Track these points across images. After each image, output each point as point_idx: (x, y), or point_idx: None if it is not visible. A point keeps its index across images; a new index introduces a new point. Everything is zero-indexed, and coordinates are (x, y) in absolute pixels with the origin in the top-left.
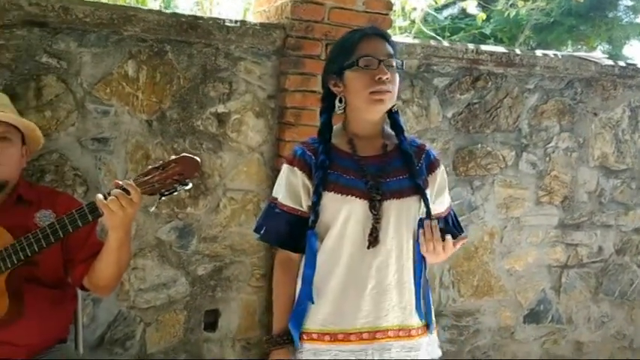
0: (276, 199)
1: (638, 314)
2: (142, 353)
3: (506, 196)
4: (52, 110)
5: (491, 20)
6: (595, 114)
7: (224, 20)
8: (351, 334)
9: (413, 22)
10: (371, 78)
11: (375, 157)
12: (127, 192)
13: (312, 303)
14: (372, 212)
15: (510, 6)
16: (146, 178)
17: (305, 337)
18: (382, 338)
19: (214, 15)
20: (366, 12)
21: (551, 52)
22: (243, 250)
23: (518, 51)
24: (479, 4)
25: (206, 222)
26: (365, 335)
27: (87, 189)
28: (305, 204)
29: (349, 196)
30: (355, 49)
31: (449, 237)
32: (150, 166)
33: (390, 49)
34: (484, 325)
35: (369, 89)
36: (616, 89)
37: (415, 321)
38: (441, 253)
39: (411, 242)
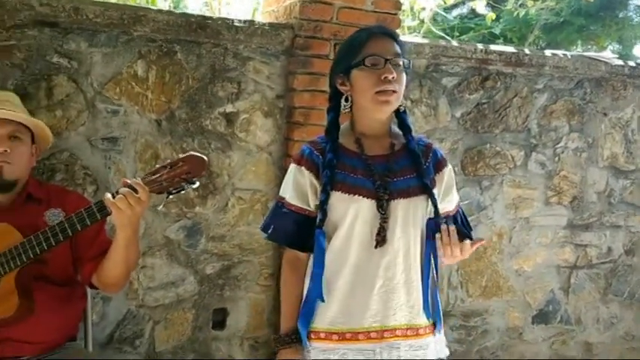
0: (283, 198)
1: None
2: (150, 351)
3: (515, 197)
4: (62, 110)
5: (501, 20)
6: (605, 114)
7: (233, 20)
8: (359, 333)
9: (422, 21)
10: (377, 77)
11: (383, 156)
12: (135, 191)
13: (323, 301)
14: (379, 212)
15: (520, 6)
16: (154, 176)
17: (313, 336)
18: (390, 337)
19: (223, 15)
20: (375, 12)
21: (560, 52)
22: (251, 249)
23: (527, 51)
24: (488, 3)
25: (214, 221)
26: (373, 334)
27: (97, 188)
28: (312, 203)
29: (357, 196)
30: (362, 48)
31: (468, 241)
32: (158, 165)
33: (398, 49)
34: (492, 326)
35: (375, 89)
36: (626, 89)
37: (423, 320)
38: (458, 256)
39: (418, 241)
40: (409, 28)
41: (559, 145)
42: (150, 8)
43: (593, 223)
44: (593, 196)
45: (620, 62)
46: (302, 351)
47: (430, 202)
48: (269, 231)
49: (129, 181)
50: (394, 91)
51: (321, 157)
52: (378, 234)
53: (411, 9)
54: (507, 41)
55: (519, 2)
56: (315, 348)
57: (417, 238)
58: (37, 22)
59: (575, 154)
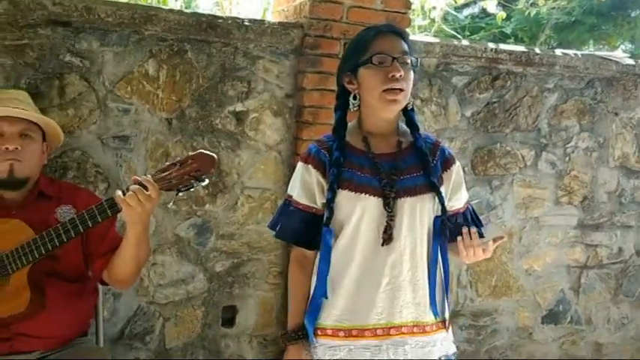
0: (291, 196)
1: None
2: (160, 348)
3: (525, 196)
4: (74, 108)
5: (512, 19)
6: (616, 114)
7: (243, 20)
8: (365, 330)
9: (432, 20)
10: (384, 76)
11: (390, 154)
12: (146, 188)
13: (326, 299)
14: (386, 210)
15: (531, 5)
16: (164, 174)
17: (320, 332)
18: (396, 334)
19: (233, 15)
20: (385, 11)
21: (571, 52)
22: (260, 247)
23: (537, 50)
24: (499, 3)
25: (224, 219)
26: (379, 331)
27: (108, 186)
28: (319, 202)
29: (363, 194)
30: (369, 46)
31: (490, 242)
32: (167, 163)
33: (405, 47)
34: (502, 325)
35: (382, 87)
36: (637, 89)
37: (430, 317)
38: (481, 257)
39: (425, 239)
40: (420, 27)
41: (569, 145)
42: (161, 8)
43: (604, 223)
44: (603, 196)
45: (632, 62)
46: (309, 347)
47: (437, 201)
48: (277, 229)
49: (139, 179)
50: (401, 90)
51: (327, 155)
52: (385, 232)
53: (422, 8)
54: (518, 41)
55: (530, 1)
56: (322, 344)
57: (423, 236)
58: (50, 21)
59: (585, 154)
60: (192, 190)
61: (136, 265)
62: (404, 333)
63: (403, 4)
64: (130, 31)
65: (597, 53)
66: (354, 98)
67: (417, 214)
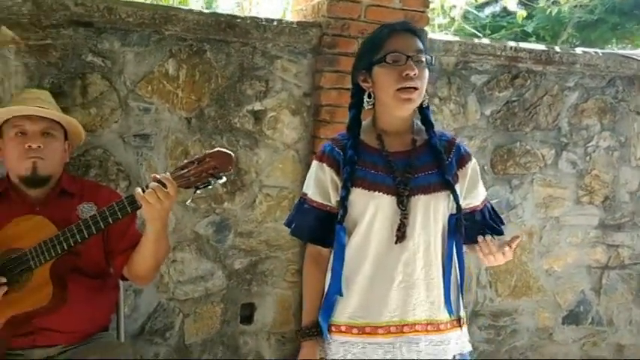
0: (305, 194)
1: None
2: (180, 343)
3: (545, 196)
4: (96, 107)
5: (534, 18)
6: (637, 113)
7: (261, 19)
8: (378, 327)
9: (452, 19)
10: (398, 74)
11: (404, 152)
12: (164, 185)
13: (341, 296)
14: (399, 208)
15: (552, 3)
16: (182, 172)
17: (334, 329)
18: (410, 332)
19: (254, 14)
20: (403, 9)
21: (591, 50)
22: (278, 245)
23: (557, 48)
24: (520, 1)
25: (242, 217)
26: (392, 329)
27: (129, 183)
28: (333, 200)
29: (377, 192)
30: (384, 44)
31: (507, 248)
32: (186, 161)
33: (420, 45)
34: (522, 326)
35: (396, 86)
36: None
37: (444, 316)
38: (502, 261)
39: (439, 237)
40: (440, 25)
41: (590, 144)
42: (180, 8)
43: (626, 224)
44: (625, 196)
45: None
46: (323, 344)
47: (452, 199)
48: (292, 227)
49: (158, 176)
50: (416, 88)
51: (342, 153)
52: (398, 230)
53: (442, 7)
54: (540, 39)
55: (552, 0)
56: (335, 340)
57: (437, 234)
58: (72, 22)
59: (606, 153)
60: (209, 187)
61: (155, 261)
62: (417, 331)
63: (421, 2)
64: (151, 31)
65: (618, 52)
66: (369, 96)
67: (431, 212)
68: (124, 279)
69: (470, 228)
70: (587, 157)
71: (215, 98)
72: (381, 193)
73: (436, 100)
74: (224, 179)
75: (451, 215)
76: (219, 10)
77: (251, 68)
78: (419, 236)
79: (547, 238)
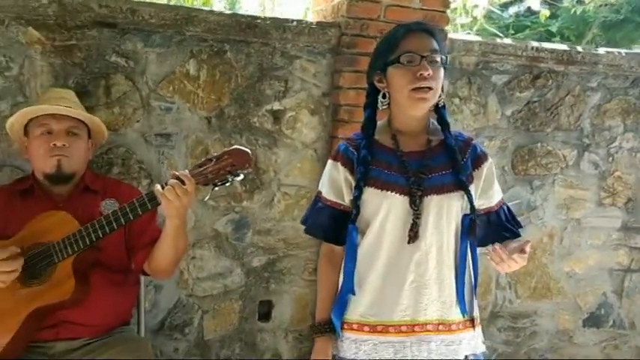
0: (320, 193)
1: None
2: (199, 339)
3: (566, 197)
4: (120, 107)
5: (559, 18)
6: None
7: (281, 20)
8: (389, 326)
9: (475, 19)
10: (413, 74)
11: (418, 152)
12: (183, 182)
13: (354, 295)
14: (412, 208)
15: (577, 3)
16: (200, 169)
17: (346, 326)
18: (421, 331)
19: (276, 15)
20: (423, 9)
21: (614, 50)
22: (296, 244)
23: (579, 48)
24: (545, 1)
25: (261, 216)
26: (403, 328)
27: (150, 181)
28: (347, 198)
29: (390, 192)
30: (398, 45)
31: (516, 255)
32: (204, 158)
33: (435, 45)
34: (541, 328)
35: (410, 86)
36: None
37: (456, 316)
38: (516, 267)
39: (452, 237)
40: (463, 25)
41: (613, 145)
42: (201, 9)
43: None
44: None
45: None
46: (336, 340)
47: (466, 199)
48: (306, 224)
49: (177, 174)
50: (430, 88)
51: (356, 153)
52: (411, 230)
53: (464, 6)
54: (564, 39)
55: None
56: (347, 338)
57: (450, 235)
58: (97, 23)
59: (630, 155)
60: (227, 184)
61: (174, 256)
62: (429, 330)
63: (441, 2)
64: (173, 32)
65: None
66: (384, 97)
67: (444, 213)
68: (145, 274)
69: (485, 230)
70: (610, 159)
71: (235, 98)
72: (393, 193)
73: (456, 100)
74: (242, 176)
75: (465, 215)
76: (241, 11)
77: (270, 68)
78: (431, 236)
79: (568, 239)
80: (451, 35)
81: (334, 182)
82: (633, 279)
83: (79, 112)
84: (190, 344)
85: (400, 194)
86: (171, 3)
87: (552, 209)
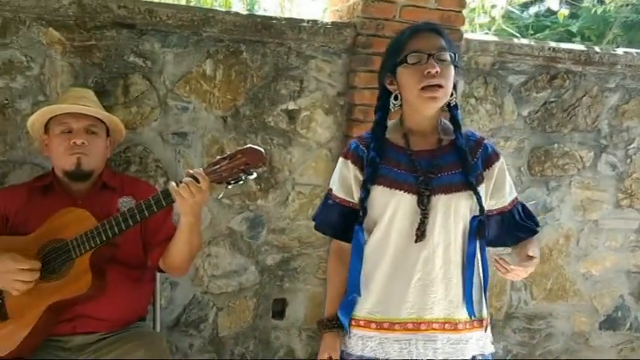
0: (331, 190)
1: None
2: (214, 336)
3: (583, 198)
4: (137, 106)
5: (579, 18)
6: None
7: (296, 20)
8: (395, 323)
9: (493, 19)
10: (421, 73)
11: (428, 151)
12: (197, 180)
13: (359, 295)
14: (419, 207)
15: (598, 2)
16: (214, 167)
17: (353, 323)
18: (427, 329)
19: (295, 15)
20: (438, 9)
21: (633, 50)
22: (310, 242)
23: (597, 49)
24: (566, 1)
25: (275, 214)
26: (409, 325)
27: (167, 179)
28: (356, 196)
29: (397, 190)
30: (405, 45)
31: (522, 264)
32: (218, 157)
33: (443, 43)
34: (557, 330)
35: (419, 85)
36: None
37: (463, 315)
38: (524, 275)
39: (460, 237)
40: (481, 25)
41: (631, 147)
42: (218, 10)
43: None
44: None
45: None
46: (343, 336)
47: (475, 199)
48: (316, 221)
49: (192, 172)
50: (440, 86)
51: (366, 151)
52: (418, 229)
53: (482, 6)
54: (585, 39)
55: None
56: (355, 335)
57: (458, 234)
58: (115, 23)
59: None
60: (241, 182)
61: (189, 253)
62: (435, 329)
63: (457, 2)
64: (190, 33)
65: None
66: (395, 99)
67: (452, 212)
68: (160, 270)
69: (499, 230)
70: (628, 160)
71: (250, 98)
72: (401, 192)
73: (472, 101)
74: (255, 175)
75: (473, 217)
76: (259, 12)
77: (286, 68)
78: (438, 235)
79: (584, 241)
80: (467, 35)
81: (344, 180)
82: None
83: (98, 111)
84: (205, 340)
85: (408, 193)
86: (191, 3)
87: (569, 211)
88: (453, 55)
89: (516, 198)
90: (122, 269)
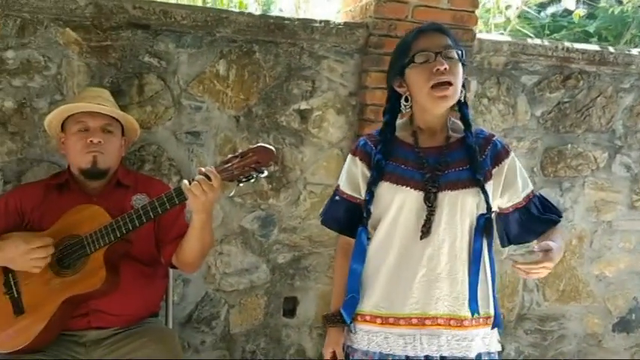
0: (338, 186)
1: None
2: (225, 333)
3: (597, 199)
4: (152, 106)
5: (596, 18)
6: None
7: (309, 20)
8: (400, 318)
9: (508, 19)
10: (429, 71)
11: (436, 148)
12: (209, 178)
13: (357, 296)
14: (426, 204)
15: (616, 2)
16: (226, 165)
17: (359, 318)
18: (431, 325)
19: (310, 16)
20: (451, 9)
21: None
22: (321, 242)
23: (611, 49)
24: (583, 1)
25: (287, 213)
26: (414, 321)
27: (180, 178)
28: (363, 192)
29: (404, 187)
30: (411, 46)
31: (535, 266)
32: (230, 155)
33: (449, 41)
34: (570, 331)
35: (429, 83)
36: None
37: (469, 312)
38: (545, 273)
39: (466, 234)
40: (496, 25)
41: None
42: (231, 11)
43: None
44: None
45: None
46: (349, 332)
47: (482, 196)
48: (323, 217)
49: (204, 170)
50: (450, 83)
51: (374, 148)
52: (424, 225)
53: (497, 7)
54: (602, 40)
55: None
56: (360, 330)
57: (464, 231)
58: (131, 24)
59: None
60: (252, 181)
61: (200, 250)
62: (439, 325)
63: (470, 2)
64: (203, 33)
65: None
66: (406, 100)
67: (458, 209)
68: (173, 267)
69: (519, 227)
70: None
71: (263, 97)
72: (408, 188)
73: (485, 101)
74: (266, 173)
75: (480, 215)
76: (274, 12)
77: (298, 68)
78: (444, 232)
79: (598, 242)
80: (480, 35)
81: (352, 176)
82: None
83: (114, 111)
84: (217, 337)
85: (415, 189)
86: (207, 3)
87: (582, 212)
88: (460, 52)
89: (532, 192)
90: (136, 265)
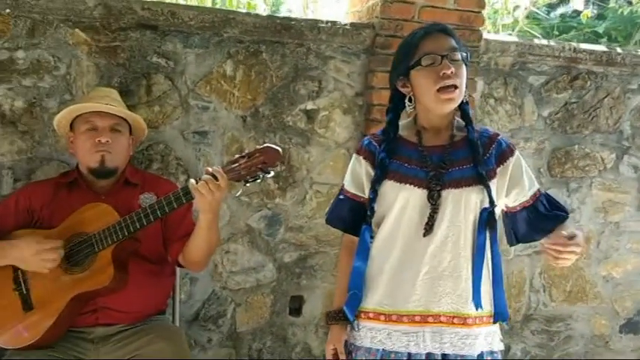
0: (343, 185)
1: None
2: (232, 331)
3: (604, 200)
4: (160, 105)
5: (606, 19)
6: None
7: (315, 21)
8: (403, 315)
9: (516, 20)
10: (436, 75)
11: (440, 146)
12: (216, 178)
13: (359, 294)
14: (429, 202)
15: (625, 3)
16: (233, 165)
17: (363, 315)
18: (434, 322)
19: (319, 17)
20: (457, 10)
21: None
22: (327, 241)
23: (619, 50)
24: (593, 2)
25: (293, 213)
26: (417, 318)
27: (188, 177)
28: (367, 191)
29: (407, 185)
30: (417, 48)
31: (569, 247)
32: (237, 155)
33: (454, 43)
34: (576, 332)
35: (435, 86)
36: None
37: (473, 310)
38: (574, 257)
39: (470, 231)
40: (504, 25)
41: None
42: (238, 11)
43: None
44: None
45: None
46: (352, 329)
47: (486, 193)
48: (328, 215)
49: (210, 169)
50: (455, 87)
51: (378, 147)
52: (427, 223)
53: (506, 7)
54: (612, 41)
55: None
56: (364, 327)
57: (468, 228)
58: (139, 25)
59: None
60: (259, 181)
61: (207, 249)
62: (442, 322)
63: (476, 3)
64: (211, 34)
65: None
66: (410, 100)
67: (462, 206)
68: (180, 265)
69: (528, 226)
70: None
71: (270, 97)
72: (411, 186)
73: (491, 101)
74: (272, 173)
75: (483, 209)
76: (283, 13)
77: (305, 69)
78: (447, 229)
79: (605, 243)
80: (486, 35)
81: (356, 175)
82: None
83: (122, 110)
84: (223, 335)
85: (418, 187)
86: (217, 4)
87: (589, 212)
88: (464, 54)
89: (538, 190)
90: (143, 263)
